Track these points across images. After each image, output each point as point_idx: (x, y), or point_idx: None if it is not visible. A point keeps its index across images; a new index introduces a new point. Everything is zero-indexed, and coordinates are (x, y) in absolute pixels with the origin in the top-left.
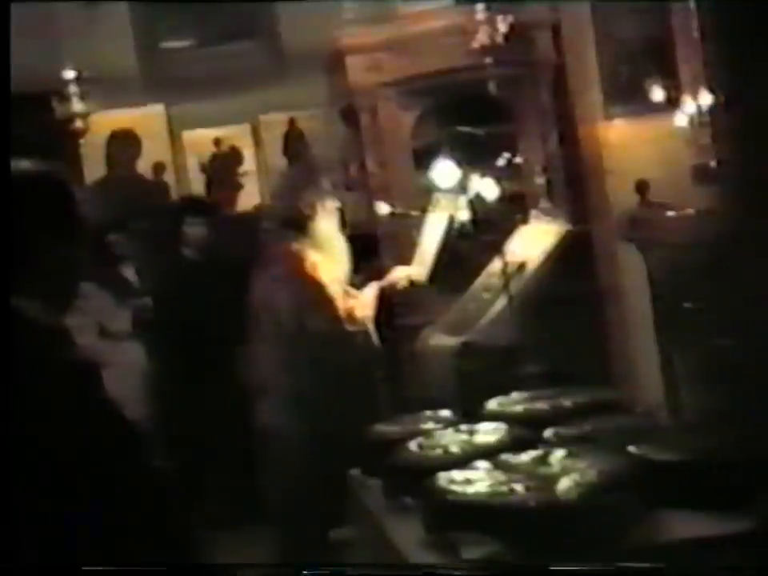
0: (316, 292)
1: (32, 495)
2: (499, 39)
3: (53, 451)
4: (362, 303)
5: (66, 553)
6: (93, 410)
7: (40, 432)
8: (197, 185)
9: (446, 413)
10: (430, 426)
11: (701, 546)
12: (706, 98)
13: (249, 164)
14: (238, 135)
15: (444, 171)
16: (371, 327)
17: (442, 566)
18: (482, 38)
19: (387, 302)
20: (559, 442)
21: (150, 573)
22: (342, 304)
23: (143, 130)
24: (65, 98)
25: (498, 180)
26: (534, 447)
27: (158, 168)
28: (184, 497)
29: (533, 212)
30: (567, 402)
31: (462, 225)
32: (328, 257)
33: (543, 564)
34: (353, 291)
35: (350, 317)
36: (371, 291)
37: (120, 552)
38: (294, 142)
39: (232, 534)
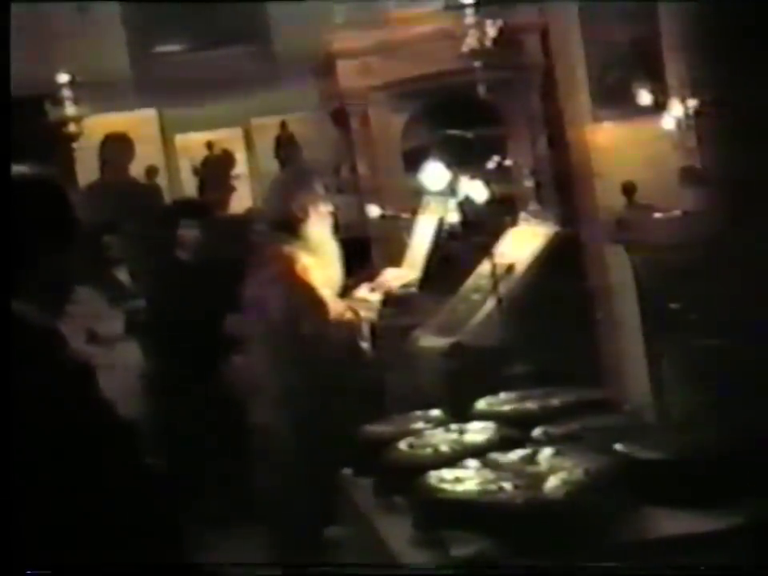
0: (307, 294)
1: (29, 494)
2: (488, 43)
3: (49, 450)
4: (368, 306)
5: (61, 551)
6: (88, 411)
7: (37, 432)
8: (189, 188)
9: (435, 412)
10: (420, 425)
11: (687, 544)
12: (692, 102)
13: (241, 167)
14: (230, 138)
15: (434, 174)
16: (366, 329)
17: (430, 566)
18: (471, 41)
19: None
20: (547, 440)
21: (145, 571)
22: (333, 306)
23: (136, 134)
24: (58, 102)
25: (488, 182)
26: (523, 446)
27: (151, 171)
28: (176, 496)
29: (522, 214)
30: (555, 402)
31: (452, 227)
32: (320, 259)
33: (531, 562)
34: (358, 294)
35: (341, 318)
36: (377, 296)
37: (115, 550)
38: (285, 146)
39: (224, 532)
